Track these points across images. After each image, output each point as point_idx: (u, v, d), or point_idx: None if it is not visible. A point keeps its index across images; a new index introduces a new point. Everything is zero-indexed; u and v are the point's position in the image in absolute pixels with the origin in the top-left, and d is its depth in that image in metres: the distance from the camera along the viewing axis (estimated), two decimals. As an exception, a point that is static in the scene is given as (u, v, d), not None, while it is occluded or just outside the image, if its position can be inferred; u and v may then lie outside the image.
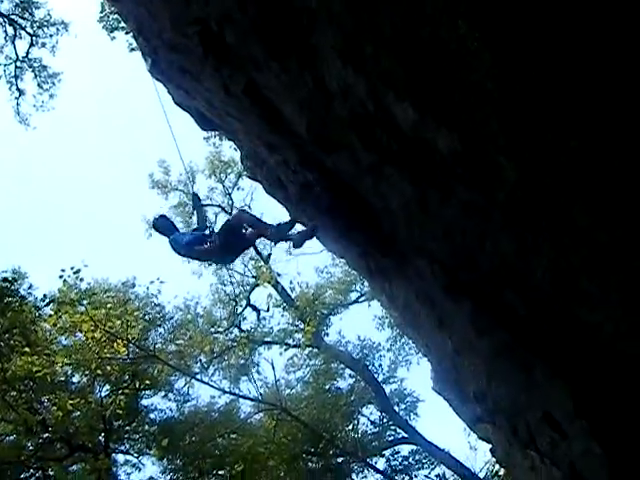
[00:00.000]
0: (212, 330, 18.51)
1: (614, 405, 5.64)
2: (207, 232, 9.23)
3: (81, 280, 17.03)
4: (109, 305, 14.91)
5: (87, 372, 16.35)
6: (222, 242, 8.70)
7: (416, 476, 18.74)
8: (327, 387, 18.41)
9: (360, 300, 20.05)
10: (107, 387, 17.25)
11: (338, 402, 17.74)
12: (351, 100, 4.82)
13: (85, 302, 15.63)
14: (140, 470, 18.13)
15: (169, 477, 18.16)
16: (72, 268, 15.27)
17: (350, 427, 18.11)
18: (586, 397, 5.74)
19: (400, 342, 19.92)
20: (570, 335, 5.22)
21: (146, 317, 17.47)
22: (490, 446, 11.62)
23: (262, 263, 20.10)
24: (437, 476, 17.12)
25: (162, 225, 9.87)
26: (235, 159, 18.55)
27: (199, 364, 17.56)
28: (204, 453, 16.82)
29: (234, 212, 9.76)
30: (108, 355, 14.25)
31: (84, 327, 13.55)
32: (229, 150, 20.22)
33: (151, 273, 39.13)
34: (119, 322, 13.99)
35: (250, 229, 8.91)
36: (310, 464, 17.56)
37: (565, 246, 4.33)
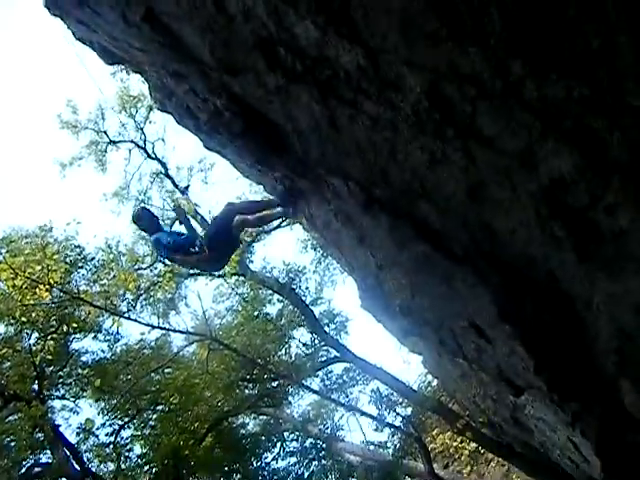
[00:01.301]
0: (136, 267, 18.32)
1: (535, 308, 5.83)
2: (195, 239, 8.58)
3: (-5, 228, 16.71)
4: (27, 251, 14.64)
5: (12, 321, 16.08)
6: (211, 247, 8.22)
7: (351, 393, 19.24)
8: (256, 314, 18.54)
9: (282, 225, 20.10)
10: (35, 335, 17.00)
11: (268, 328, 17.91)
12: (252, 22, 4.74)
13: (2, 250, 15.31)
14: (77, 414, 18.11)
15: (107, 417, 18.14)
16: (-17, 216, 14.98)
17: (282, 351, 18.37)
18: (507, 302, 5.92)
19: (324, 263, 20.20)
20: (486, 243, 5.34)
21: (67, 260, 17.18)
22: (421, 358, 11.97)
23: (179, 194, 19.95)
24: (372, 391, 17.51)
25: (144, 218, 9.14)
26: (144, 93, 18.15)
27: (126, 302, 17.43)
28: (140, 390, 16.84)
29: (222, 208, 9.11)
30: (32, 302, 14.04)
31: (3, 276, 13.27)
32: (137, 84, 19.84)
33: (67, 216, 38.47)
34: (39, 267, 13.72)
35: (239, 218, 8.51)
36: (246, 391, 17.79)
37: (473, 154, 4.40)
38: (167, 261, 10.15)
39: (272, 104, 5.71)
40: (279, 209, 8.32)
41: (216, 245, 8.38)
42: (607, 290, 4.71)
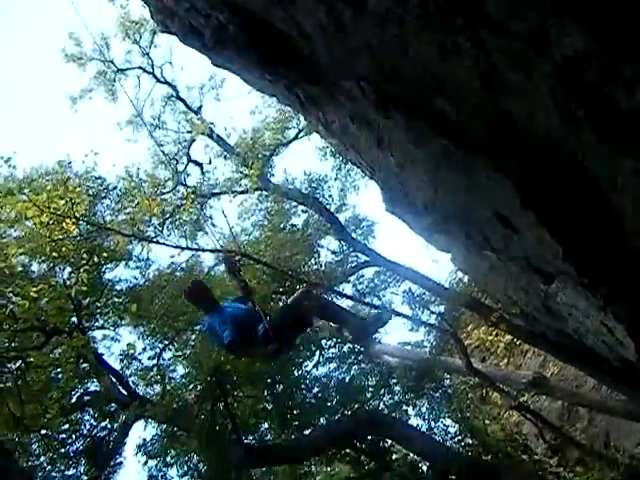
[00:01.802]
0: (158, 192, 18.38)
1: (559, 194, 5.80)
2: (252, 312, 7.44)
3: (14, 168, 16.74)
4: (49, 187, 14.67)
5: (43, 258, 16.31)
6: (277, 332, 7.13)
7: (384, 295, 19.40)
8: (282, 226, 18.62)
9: (299, 136, 19.96)
10: (67, 269, 17.21)
11: (295, 239, 18.00)
12: None
13: (25, 190, 15.36)
14: (119, 342, 18.50)
15: (147, 342, 18.49)
16: (1, 157, 15.00)
17: (312, 261, 18.49)
18: (530, 189, 5.89)
19: (345, 169, 20.10)
20: (506, 131, 5.29)
21: (89, 192, 17.30)
22: (449, 256, 12.02)
23: (193, 115, 19.86)
24: (404, 292, 17.62)
25: (196, 294, 8.23)
26: (146, 17, 17.89)
27: (152, 228, 17.57)
28: (176, 312, 17.06)
29: (297, 293, 7.58)
30: (60, 237, 14.15)
31: (29, 214, 13.36)
32: (138, 9, 19.54)
33: (84, 149, 38.41)
34: (63, 202, 13.76)
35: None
36: (280, 303, 17.99)
37: (484, 41, 4.32)
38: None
39: (275, 11, 5.61)
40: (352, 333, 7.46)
41: (282, 329, 7.41)
42: (630, 167, 4.66)
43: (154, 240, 16.37)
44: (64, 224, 13.61)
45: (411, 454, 15.59)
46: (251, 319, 7.46)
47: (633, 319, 8.32)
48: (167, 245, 12.62)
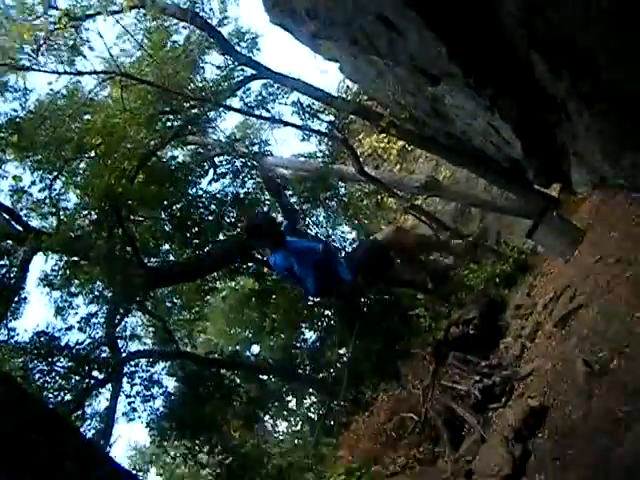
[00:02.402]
0: (28, 18, 17.14)
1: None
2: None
3: None
4: None
5: None
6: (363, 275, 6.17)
7: (273, 108, 19.20)
8: (163, 44, 17.84)
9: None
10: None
11: (178, 55, 17.36)
12: None
13: None
14: (5, 178, 17.79)
15: (35, 174, 17.88)
16: None
17: (197, 77, 17.98)
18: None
19: (224, -20, 19.20)
20: None
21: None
22: (337, 65, 11.86)
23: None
24: (293, 103, 17.44)
25: (263, 230, 6.64)
26: None
27: (26, 56, 16.53)
28: (61, 140, 16.48)
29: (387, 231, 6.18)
30: None
31: None
32: None
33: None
34: None
35: None
36: (168, 123, 17.60)
37: None
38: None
39: None
40: None
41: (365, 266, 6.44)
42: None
43: (29, 67, 15.54)
44: None
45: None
46: (326, 256, 6.55)
47: (519, 119, 8.53)
48: (43, 71, 12.01)
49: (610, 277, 8.64)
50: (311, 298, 5.24)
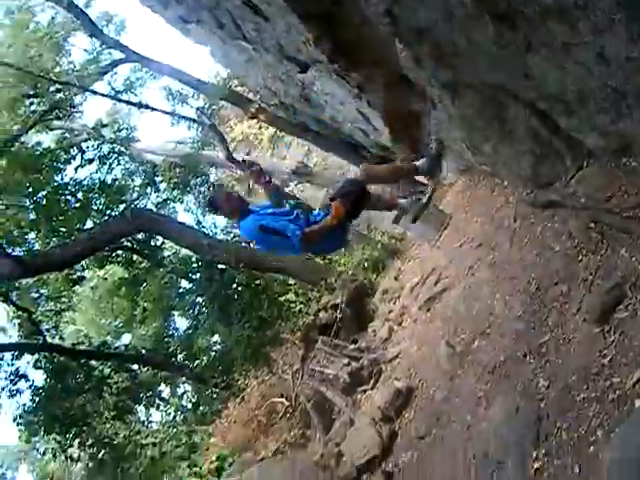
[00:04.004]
0: None
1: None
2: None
3: None
4: None
5: None
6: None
7: (142, 93, 18.85)
8: (27, 25, 17.19)
9: None
10: None
11: (42, 36, 16.75)
12: None
13: None
14: None
15: None
16: None
17: (63, 60, 17.41)
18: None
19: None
20: None
21: None
22: (208, 49, 11.76)
23: None
24: (163, 88, 17.20)
25: (226, 201, 5.96)
26: None
27: None
28: None
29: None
30: None
31: None
32: None
33: None
34: None
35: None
36: (32, 107, 16.97)
37: None
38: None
39: None
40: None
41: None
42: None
43: None
44: None
45: (182, 249, 15.85)
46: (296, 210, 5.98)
47: (386, 106, 8.67)
48: None
49: (473, 261, 8.96)
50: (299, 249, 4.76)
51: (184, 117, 16.94)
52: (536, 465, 4.74)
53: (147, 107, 16.77)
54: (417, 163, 5.39)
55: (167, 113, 16.64)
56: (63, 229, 15.72)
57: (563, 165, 6.95)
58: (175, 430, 20.52)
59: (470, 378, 6.95)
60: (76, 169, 17.69)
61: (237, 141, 21.81)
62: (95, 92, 16.91)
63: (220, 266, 13.55)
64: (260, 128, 20.79)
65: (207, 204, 6.66)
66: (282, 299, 13.81)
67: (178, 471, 19.25)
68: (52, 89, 16.26)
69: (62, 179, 17.11)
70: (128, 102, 18.00)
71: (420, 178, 6.64)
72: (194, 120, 17.02)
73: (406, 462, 7.49)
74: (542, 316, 5.96)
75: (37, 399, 16.40)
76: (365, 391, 10.00)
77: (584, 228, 5.84)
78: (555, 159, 7.02)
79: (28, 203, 16.18)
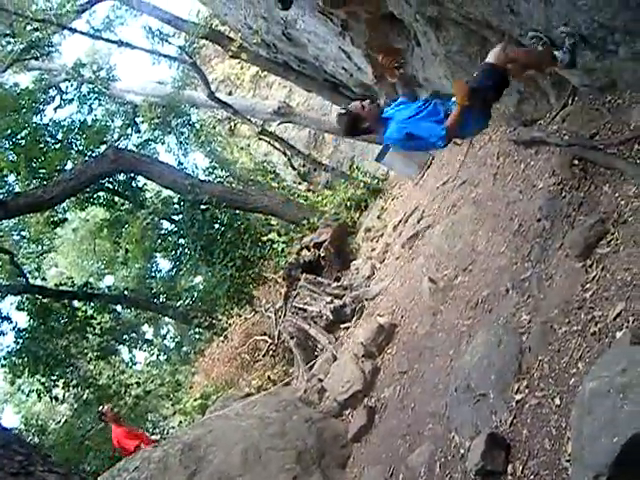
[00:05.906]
0: None
1: None
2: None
3: None
4: None
5: None
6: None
7: (121, 32, 18.59)
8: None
9: None
10: None
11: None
12: None
13: None
14: None
15: None
16: None
17: (40, -1, 17.07)
18: None
19: None
20: None
21: None
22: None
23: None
24: (143, 27, 16.92)
25: (361, 119, 5.70)
26: None
27: None
28: None
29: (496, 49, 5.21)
30: None
31: None
32: None
33: None
34: None
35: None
36: (9, 46, 16.58)
37: None
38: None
39: None
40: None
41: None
42: None
43: None
44: None
45: (164, 190, 15.80)
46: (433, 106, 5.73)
47: (370, 43, 8.59)
48: None
49: (456, 198, 9.01)
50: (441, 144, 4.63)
51: (165, 55, 16.63)
52: (518, 397, 4.83)
53: (127, 45, 16.40)
54: (557, 53, 5.23)
55: (148, 51, 16.34)
56: (43, 170, 15.60)
57: (547, 103, 6.98)
58: (159, 369, 20.72)
59: (453, 313, 7.04)
60: (55, 109, 17.53)
61: (219, 81, 21.56)
62: (74, 30, 16.52)
63: (202, 206, 13.51)
64: (242, 68, 20.55)
65: (347, 122, 5.96)
66: (265, 239, 13.82)
67: (162, 410, 19.50)
68: (29, 28, 15.90)
69: (41, 120, 16.97)
70: (108, 40, 17.63)
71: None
72: (175, 59, 16.75)
73: (388, 397, 7.59)
74: (525, 252, 6.04)
75: (21, 341, 16.44)
76: (348, 328, 10.09)
77: (567, 165, 5.87)
78: (540, 97, 7.04)
79: (7, 144, 16.01)
